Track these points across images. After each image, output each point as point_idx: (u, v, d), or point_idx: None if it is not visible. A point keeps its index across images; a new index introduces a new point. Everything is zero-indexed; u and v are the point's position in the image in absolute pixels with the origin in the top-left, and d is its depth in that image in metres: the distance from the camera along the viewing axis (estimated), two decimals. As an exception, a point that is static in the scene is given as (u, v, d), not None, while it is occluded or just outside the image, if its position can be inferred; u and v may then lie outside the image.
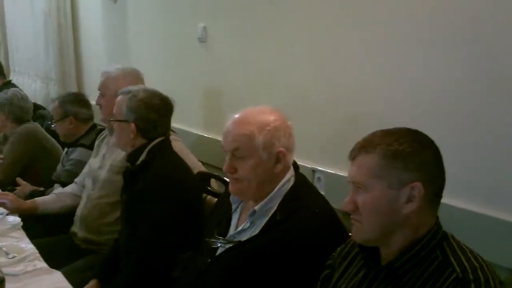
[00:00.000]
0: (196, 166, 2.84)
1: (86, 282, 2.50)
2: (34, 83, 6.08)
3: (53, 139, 3.98)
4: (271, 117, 1.98)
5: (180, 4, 3.86)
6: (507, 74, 1.98)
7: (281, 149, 1.95)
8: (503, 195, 2.02)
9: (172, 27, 3.98)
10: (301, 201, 1.93)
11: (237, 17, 3.30)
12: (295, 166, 2.04)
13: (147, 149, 2.49)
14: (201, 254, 2.08)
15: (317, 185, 2.62)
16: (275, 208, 1.94)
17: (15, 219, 2.84)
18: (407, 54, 2.32)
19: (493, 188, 2.05)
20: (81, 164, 3.31)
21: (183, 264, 2.20)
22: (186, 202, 2.39)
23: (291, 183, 1.98)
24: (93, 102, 3.54)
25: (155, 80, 3.27)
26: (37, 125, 4.04)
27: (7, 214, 2.89)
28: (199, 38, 3.59)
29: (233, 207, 2.09)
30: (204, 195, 2.68)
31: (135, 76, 3.13)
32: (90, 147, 3.35)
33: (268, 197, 1.95)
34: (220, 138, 2.05)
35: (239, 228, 2.01)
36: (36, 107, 4.57)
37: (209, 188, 2.75)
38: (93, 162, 3.08)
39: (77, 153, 3.49)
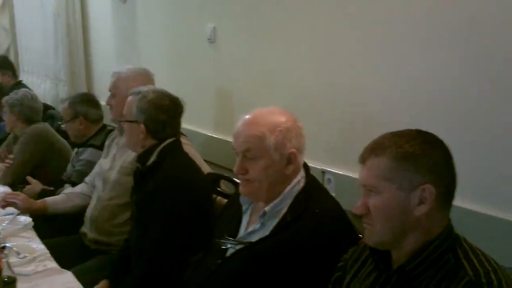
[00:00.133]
0: (206, 170, 2.84)
1: (96, 283, 2.50)
2: (44, 84, 6.10)
3: (63, 139, 4.00)
4: (282, 118, 1.98)
5: (189, 5, 3.86)
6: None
7: (293, 150, 1.95)
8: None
9: (181, 28, 3.98)
10: (312, 202, 1.93)
11: (246, 17, 3.30)
12: (306, 167, 2.04)
13: (157, 150, 2.49)
14: (211, 255, 2.09)
15: (327, 186, 2.61)
16: (285, 209, 1.94)
17: (26, 219, 2.86)
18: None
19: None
20: (91, 164, 3.32)
21: (193, 265, 2.20)
22: (196, 203, 2.39)
23: (301, 184, 1.98)
24: (102, 102, 3.55)
25: (164, 81, 3.28)
26: (47, 125, 4.06)
27: (18, 214, 2.92)
28: (208, 39, 3.59)
29: (243, 208, 2.09)
30: (214, 196, 2.69)
31: (146, 77, 3.13)
32: (100, 147, 3.36)
33: (278, 198, 1.95)
34: (229, 139, 2.06)
35: (250, 229, 2.01)
36: (46, 107, 4.59)
37: (218, 189, 2.75)
38: (103, 162, 3.09)
39: (87, 153, 3.51)
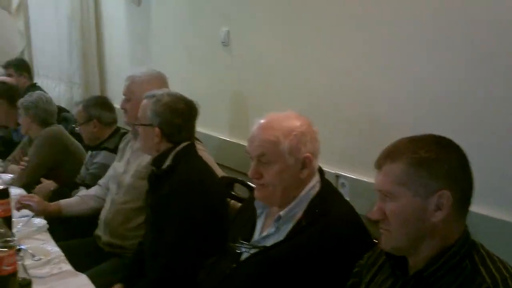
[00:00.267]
0: (220, 175, 2.84)
1: (111, 285, 2.51)
2: (58, 86, 6.14)
3: (77, 142, 4.02)
4: (297, 123, 1.98)
5: (203, 8, 3.87)
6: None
7: (307, 154, 1.95)
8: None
9: (195, 31, 3.99)
10: (327, 207, 1.93)
11: (260, 21, 3.30)
12: (321, 171, 2.04)
13: (172, 154, 2.50)
14: (225, 258, 2.09)
15: (341, 190, 2.59)
16: (300, 213, 1.94)
17: (40, 221, 2.87)
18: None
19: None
20: (105, 167, 3.34)
21: (207, 268, 2.20)
22: (211, 207, 2.40)
23: (317, 189, 1.98)
24: (116, 105, 3.56)
25: (178, 84, 3.29)
26: (61, 128, 4.08)
27: (32, 216, 2.93)
28: (222, 42, 3.59)
29: (258, 212, 2.09)
30: (228, 199, 2.69)
31: (160, 80, 3.14)
32: (114, 150, 3.38)
33: (293, 203, 1.95)
34: (243, 143, 2.05)
35: (264, 234, 2.01)
36: (60, 110, 4.61)
37: (233, 193, 2.75)
38: (117, 165, 3.10)
39: (101, 156, 3.52)
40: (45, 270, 2.33)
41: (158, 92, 2.62)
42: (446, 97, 2.20)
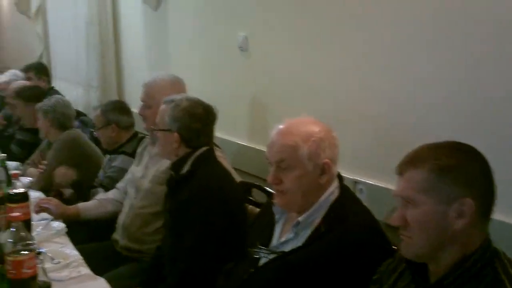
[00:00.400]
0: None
1: (129, 289, 2.53)
2: (76, 90, 6.17)
3: (95, 146, 4.04)
4: (316, 128, 1.98)
5: (221, 13, 3.88)
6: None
7: (327, 160, 1.94)
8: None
9: (213, 36, 4.00)
10: (346, 213, 1.92)
11: (276, 26, 3.30)
12: (340, 177, 2.03)
13: (191, 159, 2.51)
14: (243, 263, 2.09)
15: (360, 196, 2.59)
16: (319, 219, 1.93)
17: (59, 225, 2.89)
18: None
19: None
20: (123, 171, 3.35)
21: (225, 273, 2.20)
22: (230, 213, 2.40)
23: (335, 195, 1.97)
24: (133, 109, 3.58)
25: (196, 89, 3.29)
26: (79, 132, 4.11)
27: (51, 220, 2.95)
28: (239, 47, 3.60)
29: (276, 217, 2.09)
30: (246, 204, 2.69)
31: (179, 85, 3.14)
32: (132, 154, 3.39)
33: (312, 208, 1.95)
34: (262, 148, 2.05)
35: (283, 239, 2.00)
36: (78, 114, 4.64)
37: (251, 198, 2.75)
38: (136, 170, 3.11)
39: (119, 160, 3.54)
40: (64, 274, 2.34)
41: (177, 97, 2.63)
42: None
